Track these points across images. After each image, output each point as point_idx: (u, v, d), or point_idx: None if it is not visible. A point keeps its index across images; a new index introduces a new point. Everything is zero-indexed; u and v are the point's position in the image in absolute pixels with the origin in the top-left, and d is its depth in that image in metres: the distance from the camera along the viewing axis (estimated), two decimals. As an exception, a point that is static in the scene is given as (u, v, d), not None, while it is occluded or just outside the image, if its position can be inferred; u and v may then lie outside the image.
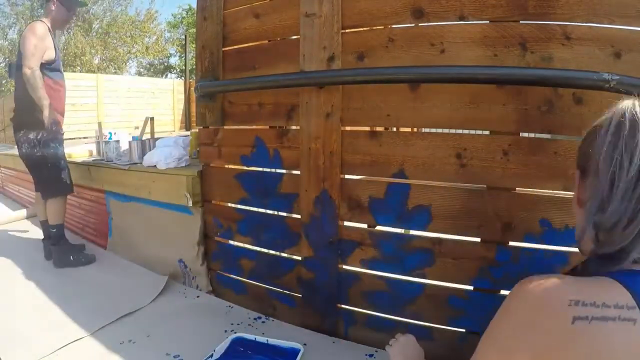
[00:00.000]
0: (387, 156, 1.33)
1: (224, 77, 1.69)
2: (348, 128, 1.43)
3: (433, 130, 1.39)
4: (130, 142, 2.39)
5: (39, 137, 2.22)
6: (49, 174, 2.28)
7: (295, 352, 1.33)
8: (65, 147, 2.37)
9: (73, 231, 2.75)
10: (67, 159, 2.70)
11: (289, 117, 1.52)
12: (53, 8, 2.27)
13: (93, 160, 2.62)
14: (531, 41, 1.13)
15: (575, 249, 1.14)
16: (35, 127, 2.19)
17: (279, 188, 1.57)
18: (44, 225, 2.38)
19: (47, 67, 2.19)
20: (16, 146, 2.31)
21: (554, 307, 0.52)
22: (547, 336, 0.51)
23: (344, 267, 1.46)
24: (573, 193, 0.69)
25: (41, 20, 2.25)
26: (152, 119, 2.67)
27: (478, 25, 1.19)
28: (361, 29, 1.37)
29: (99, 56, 14.70)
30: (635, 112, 0.59)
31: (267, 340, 1.39)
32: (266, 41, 1.59)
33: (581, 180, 0.66)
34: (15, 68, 2.26)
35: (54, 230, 2.28)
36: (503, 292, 1.23)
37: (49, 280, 1.98)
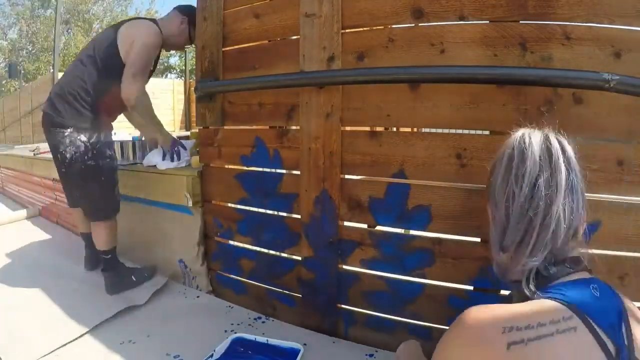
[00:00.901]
0: (387, 156, 1.33)
1: (224, 77, 1.69)
2: (348, 128, 1.43)
3: (433, 130, 1.39)
4: (124, 142, 2.39)
5: (92, 141, 1.74)
6: (101, 190, 1.80)
7: (295, 352, 1.33)
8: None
9: (73, 231, 2.75)
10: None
11: (289, 117, 1.52)
12: (179, 25, 1.92)
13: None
14: (531, 41, 1.13)
15: (575, 249, 1.14)
16: (88, 127, 1.74)
17: (279, 188, 1.57)
18: (87, 239, 2.03)
19: None
20: (49, 148, 1.81)
21: (488, 338, 0.55)
22: None
23: (344, 267, 1.46)
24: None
25: (156, 27, 1.84)
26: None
27: (478, 25, 1.19)
28: (361, 29, 1.37)
29: (99, 56, 14.68)
30: (524, 142, 0.68)
31: (267, 341, 1.39)
32: (266, 41, 1.59)
33: (489, 208, 0.75)
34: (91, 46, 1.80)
35: (109, 256, 1.86)
36: (503, 292, 1.23)
37: (48, 280, 1.98)
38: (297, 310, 1.59)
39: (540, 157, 0.66)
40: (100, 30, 14.71)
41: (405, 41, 1.29)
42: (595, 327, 0.54)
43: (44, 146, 4.30)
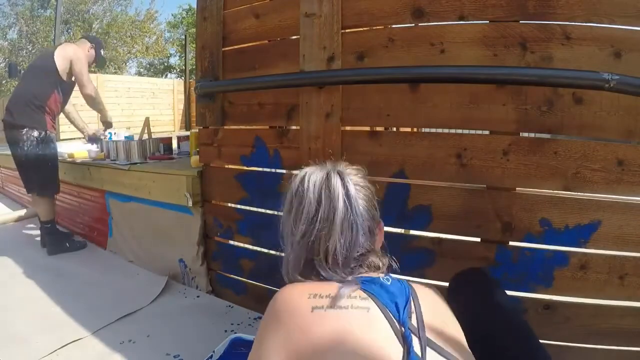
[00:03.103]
0: (387, 156, 1.33)
1: (224, 77, 1.69)
2: (348, 128, 1.43)
3: (433, 130, 1.39)
4: (124, 142, 2.40)
5: (41, 136, 2.34)
6: (49, 173, 2.42)
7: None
8: (67, 146, 2.46)
9: (73, 231, 2.74)
10: (70, 159, 2.71)
11: (289, 117, 1.52)
12: (89, 51, 2.62)
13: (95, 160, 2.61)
14: (531, 41, 1.13)
15: (576, 249, 1.15)
16: (38, 126, 2.34)
17: (279, 188, 1.57)
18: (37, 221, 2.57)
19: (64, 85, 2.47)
20: (9, 144, 2.40)
21: (296, 301, 0.66)
22: (292, 323, 0.64)
23: (344, 267, 1.46)
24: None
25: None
26: (146, 119, 2.66)
27: (478, 25, 1.19)
28: (361, 29, 1.37)
29: (99, 56, 14.68)
30: (303, 181, 0.74)
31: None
32: (266, 41, 1.59)
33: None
34: (31, 68, 2.53)
35: (49, 225, 2.45)
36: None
37: (48, 280, 1.98)
38: (297, 310, 1.58)
39: (317, 196, 0.72)
40: (100, 30, 14.74)
41: (405, 41, 1.29)
42: (384, 307, 0.65)
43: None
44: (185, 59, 9.83)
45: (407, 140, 1.31)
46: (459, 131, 1.27)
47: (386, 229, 1.38)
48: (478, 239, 1.24)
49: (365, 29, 1.37)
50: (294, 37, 1.49)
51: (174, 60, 17.15)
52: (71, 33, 13.73)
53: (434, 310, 0.70)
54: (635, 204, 1.08)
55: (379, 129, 1.49)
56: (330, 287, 0.67)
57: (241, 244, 1.74)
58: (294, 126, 1.52)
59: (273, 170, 1.60)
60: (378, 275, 0.72)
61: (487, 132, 1.23)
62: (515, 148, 1.17)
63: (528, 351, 0.81)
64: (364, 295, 0.66)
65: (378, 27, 1.35)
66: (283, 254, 0.79)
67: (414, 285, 0.73)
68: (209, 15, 1.71)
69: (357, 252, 0.73)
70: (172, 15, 17.69)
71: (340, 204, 0.71)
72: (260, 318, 1.62)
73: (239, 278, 1.76)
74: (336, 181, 0.73)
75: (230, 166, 1.74)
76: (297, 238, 0.73)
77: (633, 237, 1.08)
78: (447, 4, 1.22)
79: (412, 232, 1.37)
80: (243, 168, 1.69)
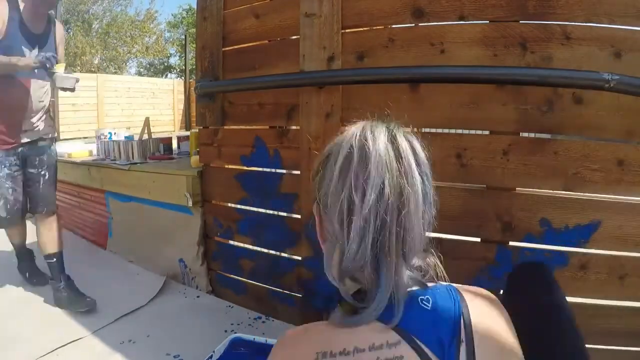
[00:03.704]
0: (387, 156, 1.33)
1: (224, 77, 1.69)
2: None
3: (433, 130, 1.39)
4: (124, 142, 2.40)
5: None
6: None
7: (295, 352, 1.33)
8: (67, 146, 2.33)
9: (73, 231, 2.74)
10: (68, 159, 2.70)
11: (289, 117, 1.52)
12: None
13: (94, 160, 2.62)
14: (531, 41, 1.13)
15: (576, 249, 1.14)
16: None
17: (279, 188, 1.57)
18: (26, 251, 1.98)
19: None
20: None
21: None
22: None
23: (344, 267, 1.46)
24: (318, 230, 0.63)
25: None
26: (146, 119, 2.66)
27: (478, 25, 1.19)
28: (361, 29, 1.37)
29: (99, 56, 14.69)
30: (365, 139, 0.52)
31: (266, 340, 1.38)
32: (266, 41, 1.59)
33: (319, 215, 0.60)
34: None
35: (58, 258, 1.78)
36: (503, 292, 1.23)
37: (48, 282, 1.97)
38: (297, 310, 1.58)
39: (387, 157, 0.51)
40: (100, 30, 14.70)
41: (405, 41, 1.28)
42: (423, 347, 0.47)
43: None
44: (185, 59, 9.82)
45: (407, 140, 1.31)
46: (459, 131, 1.27)
47: (386, 229, 1.39)
48: (478, 239, 1.24)
49: (365, 29, 1.37)
50: (294, 37, 1.49)
51: (174, 60, 17.15)
52: (71, 33, 13.72)
53: (489, 336, 0.51)
54: (635, 204, 1.08)
55: (379, 129, 1.49)
56: (346, 336, 0.49)
57: (241, 244, 1.74)
58: (294, 126, 1.52)
59: (273, 170, 1.60)
60: (423, 288, 0.53)
61: (487, 132, 1.22)
62: (515, 148, 1.17)
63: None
64: (394, 337, 0.48)
65: (378, 27, 1.35)
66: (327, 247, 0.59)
67: (464, 295, 0.55)
68: (209, 15, 1.71)
69: (419, 247, 0.54)
70: (172, 15, 17.68)
71: (417, 176, 0.52)
72: (260, 318, 1.62)
73: (239, 278, 1.76)
74: (403, 141, 0.54)
75: (230, 166, 1.74)
76: (361, 214, 0.49)
77: (633, 237, 1.08)
78: (447, 4, 1.21)
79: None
80: (243, 168, 1.69)
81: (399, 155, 0.52)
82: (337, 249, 0.54)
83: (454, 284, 0.56)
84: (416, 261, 0.54)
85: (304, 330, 0.54)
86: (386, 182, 0.50)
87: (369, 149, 0.51)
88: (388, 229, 0.49)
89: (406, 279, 0.51)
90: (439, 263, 0.58)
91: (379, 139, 0.52)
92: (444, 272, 0.58)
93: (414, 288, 0.52)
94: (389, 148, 0.52)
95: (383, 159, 0.50)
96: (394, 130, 0.55)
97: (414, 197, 0.51)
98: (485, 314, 0.53)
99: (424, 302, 0.51)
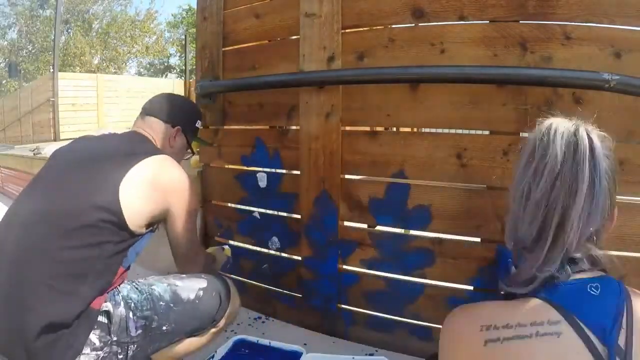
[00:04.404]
0: (387, 156, 1.33)
1: (224, 77, 1.69)
2: (348, 128, 1.43)
3: (433, 130, 1.39)
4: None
5: None
6: None
7: (297, 355, 1.33)
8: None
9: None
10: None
11: (289, 117, 1.52)
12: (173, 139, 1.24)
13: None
14: (531, 41, 1.13)
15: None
16: None
17: (279, 188, 1.57)
18: None
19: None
20: None
21: (467, 336, 0.57)
22: (469, 359, 0.56)
23: (344, 267, 1.46)
24: None
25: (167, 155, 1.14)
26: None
27: (478, 25, 1.19)
28: (361, 29, 1.37)
29: (98, 56, 14.70)
30: (548, 133, 0.62)
31: (270, 343, 1.38)
32: (266, 41, 1.59)
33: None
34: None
35: None
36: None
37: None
38: (297, 310, 1.59)
39: (564, 152, 0.59)
40: (99, 30, 14.72)
41: (405, 41, 1.29)
42: (585, 328, 0.52)
43: (44, 146, 4.32)
44: (185, 59, 9.83)
45: (407, 140, 1.31)
46: (459, 131, 1.27)
47: (386, 229, 1.40)
48: (478, 239, 1.25)
49: (365, 29, 1.37)
50: (294, 37, 1.49)
51: (174, 60, 17.17)
52: (71, 33, 13.74)
53: None
54: (635, 204, 1.08)
55: (379, 129, 1.49)
56: (510, 312, 0.56)
57: (241, 244, 1.74)
58: (294, 126, 1.52)
59: (273, 170, 1.60)
60: (591, 276, 0.58)
61: (487, 132, 1.23)
62: (515, 148, 1.17)
63: None
64: (556, 316, 0.53)
65: (378, 27, 1.35)
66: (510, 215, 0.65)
67: (631, 292, 0.58)
68: (209, 15, 1.71)
69: (587, 235, 0.59)
70: (172, 15, 17.71)
71: (587, 167, 0.58)
72: (260, 318, 1.62)
73: (239, 278, 1.76)
74: (584, 139, 0.60)
75: (230, 166, 1.74)
76: (534, 197, 0.59)
77: (633, 237, 1.08)
78: (447, 4, 1.22)
79: (412, 232, 1.37)
80: (243, 168, 1.69)
81: (575, 154, 0.59)
82: (514, 223, 0.64)
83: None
84: (584, 250, 0.60)
85: (469, 307, 0.63)
86: (559, 176, 0.58)
87: (549, 145, 0.60)
88: (552, 215, 0.58)
89: (569, 264, 0.58)
90: (614, 259, 0.62)
91: (560, 137, 0.60)
92: (621, 267, 0.65)
93: (583, 275, 0.58)
94: (569, 147, 0.59)
95: (558, 156, 0.59)
96: (578, 127, 0.62)
97: (581, 194, 0.57)
98: None
99: (592, 288, 0.56)
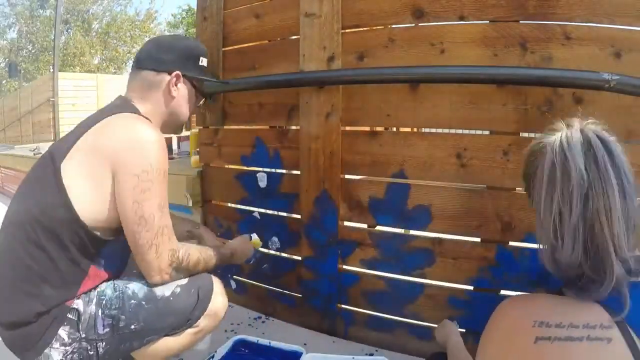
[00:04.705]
0: (387, 156, 1.33)
1: (224, 77, 1.69)
2: (348, 128, 1.43)
3: (433, 130, 1.39)
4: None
5: None
6: None
7: (297, 355, 1.33)
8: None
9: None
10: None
11: (289, 117, 1.52)
12: (174, 87, 1.07)
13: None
14: (531, 41, 1.13)
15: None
16: None
17: (279, 188, 1.57)
18: None
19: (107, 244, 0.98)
20: None
21: (521, 328, 0.57)
22: (517, 353, 0.56)
23: (344, 267, 1.46)
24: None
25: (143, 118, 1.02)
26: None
27: (478, 25, 1.19)
28: (361, 29, 1.37)
29: (98, 56, 14.69)
30: (563, 149, 0.60)
31: (270, 343, 1.38)
32: (266, 41, 1.59)
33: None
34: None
35: None
36: (503, 292, 1.23)
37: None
38: (297, 310, 1.59)
39: (585, 167, 0.58)
40: (99, 30, 14.71)
41: (405, 41, 1.29)
42: (635, 338, 0.51)
43: (44, 146, 4.31)
44: (185, 58, 9.81)
45: (407, 140, 1.31)
46: (459, 131, 1.27)
47: (386, 229, 1.40)
48: (478, 239, 1.25)
49: (365, 29, 1.37)
50: (294, 37, 1.49)
51: (173, 60, 17.14)
52: (70, 33, 13.73)
53: None
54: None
55: (379, 129, 1.49)
56: (564, 311, 0.56)
57: (241, 244, 1.73)
58: (294, 126, 1.52)
59: (273, 170, 1.60)
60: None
61: (487, 132, 1.23)
62: (515, 148, 1.17)
63: None
64: (608, 321, 0.53)
65: (378, 27, 1.35)
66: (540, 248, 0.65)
67: None
68: (209, 15, 1.71)
69: (633, 224, 0.59)
70: (172, 15, 17.69)
71: (612, 173, 0.58)
72: (260, 318, 1.62)
73: (239, 278, 1.76)
74: (598, 144, 0.60)
75: (230, 166, 1.74)
76: (571, 222, 0.57)
77: (633, 237, 1.08)
78: (447, 4, 1.22)
79: (412, 232, 1.37)
80: (243, 168, 1.69)
81: (596, 163, 0.58)
82: (548, 243, 0.62)
83: None
84: (631, 254, 0.58)
85: (524, 300, 0.64)
86: (589, 192, 0.57)
87: (569, 164, 0.59)
88: (597, 230, 0.57)
89: (622, 270, 0.56)
90: None
91: (576, 151, 0.59)
92: None
93: (636, 279, 0.57)
94: (589, 159, 0.59)
95: (582, 172, 0.58)
96: (587, 133, 0.61)
97: (614, 199, 0.57)
98: None
99: None
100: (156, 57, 1.06)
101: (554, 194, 0.60)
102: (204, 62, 1.13)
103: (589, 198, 0.57)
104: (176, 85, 1.06)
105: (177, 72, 1.06)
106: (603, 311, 0.54)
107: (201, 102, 1.17)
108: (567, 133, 0.63)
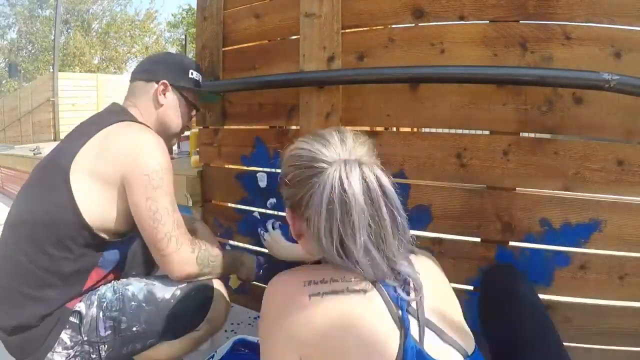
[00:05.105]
0: (387, 156, 1.33)
1: (224, 77, 1.69)
2: (348, 128, 1.43)
3: (433, 130, 1.39)
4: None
5: None
6: None
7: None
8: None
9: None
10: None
11: (289, 117, 1.52)
12: (162, 96, 1.12)
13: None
14: (531, 41, 1.13)
15: (577, 249, 1.15)
16: None
17: (279, 188, 1.57)
18: None
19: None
20: None
21: (294, 292, 0.66)
22: (294, 316, 0.63)
23: (344, 267, 1.46)
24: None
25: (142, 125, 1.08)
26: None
27: (478, 25, 1.19)
28: (361, 29, 1.37)
29: (98, 56, 14.69)
30: (342, 185, 0.63)
31: (269, 342, 1.38)
32: (266, 41, 1.59)
33: (296, 217, 0.76)
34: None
35: None
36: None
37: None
38: (297, 310, 1.58)
39: (363, 204, 0.63)
40: (99, 30, 14.71)
41: (405, 41, 1.29)
42: (383, 289, 0.63)
43: (44, 146, 4.33)
44: (185, 58, 9.82)
45: (407, 140, 1.31)
46: (459, 131, 1.27)
47: (386, 229, 1.39)
48: (478, 239, 1.25)
49: (365, 29, 1.37)
50: (294, 37, 1.49)
51: (173, 60, 17.15)
52: (70, 33, 13.74)
53: (434, 285, 0.69)
54: (635, 204, 1.08)
55: (379, 129, 1.49)
56: (323, 272, 0.66)
57: (241, 244, 1.74)
58: (294, 126, 1.52)
59: (273, 170, 1.60)
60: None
61: (487, 132, 1.23)
62: (515, 148, 1.17)
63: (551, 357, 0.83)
64: (360, 276, 0.64)
65: (378, 27, 1.35)
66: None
67: (412, 257, 0.73)
68: (209, 15, 1.71)
69: (399, 250, 0.69)
70: (172, 15, 17.71)
71: (385, 210, 0.66)
72: (259, 318, 1.62)
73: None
74: (375, 184, 0.66)
75: (230, 166, 1.74)
76: (360, 247, 0.64)
77: (633, 237, 1.08)
78: (447, 4, 1.22)
79: (412, 232, 1.37)
80: (243, 168, 1.69)
81: (371, 196, 0.65)
82: (319, 245, 0.68)
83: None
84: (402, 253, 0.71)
85: (290, 271, 0.73)
86: (370, 222, 0.64)
87: (348, 198, 0.63)
88: (378, 242, 0.66)
89: (390, 263, 0.67)
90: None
91: (354, 183, 0.64)
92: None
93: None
94: (364, 191, 0.64)
95: (362, 205, 0.63)
96: (363, 169, 0.66)
97: (388, 224, 0.66)
98: (428, 265, 0.77)
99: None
100: (147, 69, 1.15)
101: (334, 225, 0.64)
102: (194, 74, 1.18)
103: (371, 226, 0.64)
104: (164, 94, 1.12)
105: (164, 80, 1.11)
106: (356, 270, 0.64)
107: (193, 114, 1.22)
108: (343, 168, 0.65)
